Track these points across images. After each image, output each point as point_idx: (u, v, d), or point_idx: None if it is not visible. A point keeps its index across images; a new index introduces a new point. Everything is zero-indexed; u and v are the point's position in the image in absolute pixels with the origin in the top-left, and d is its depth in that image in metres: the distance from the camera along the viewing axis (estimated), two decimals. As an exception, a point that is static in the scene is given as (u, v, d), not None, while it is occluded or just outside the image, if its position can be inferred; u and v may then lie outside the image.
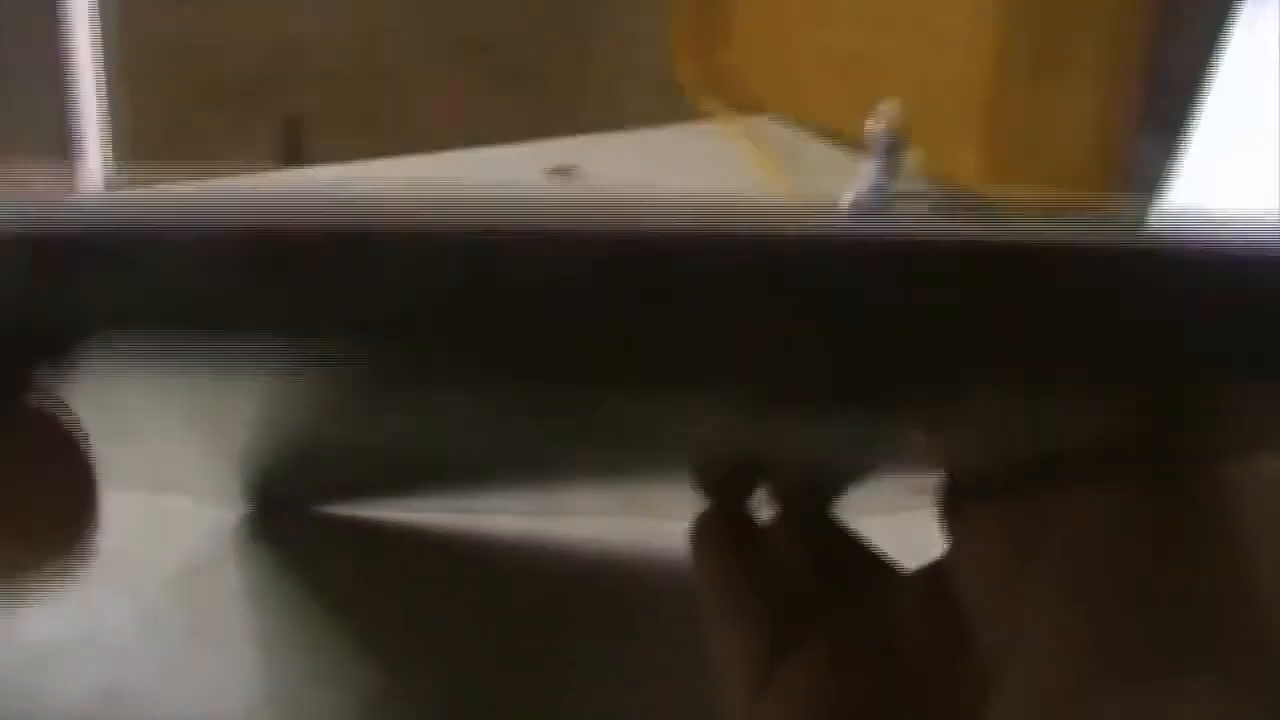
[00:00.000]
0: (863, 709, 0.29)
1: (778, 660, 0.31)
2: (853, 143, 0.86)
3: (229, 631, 0.43)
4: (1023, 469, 0.24)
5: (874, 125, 0.70)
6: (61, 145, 1.68)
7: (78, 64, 1.61)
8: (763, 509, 0.35)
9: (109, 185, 1.53)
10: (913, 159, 0.69)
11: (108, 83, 1.51)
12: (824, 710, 0.29)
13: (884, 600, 0.31)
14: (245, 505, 0.48)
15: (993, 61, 0.79)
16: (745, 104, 0.98)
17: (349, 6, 1.61)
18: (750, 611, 0.33)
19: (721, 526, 0.35)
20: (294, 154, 1.58)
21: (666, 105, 1.01)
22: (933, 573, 0.29)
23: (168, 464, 0.39)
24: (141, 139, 1.53)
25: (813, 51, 0.92)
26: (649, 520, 0.46)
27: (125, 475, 0.45)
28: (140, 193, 0.16)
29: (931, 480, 0.26)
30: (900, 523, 0.34)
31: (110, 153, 1.53)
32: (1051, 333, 0.17)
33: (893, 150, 0.68)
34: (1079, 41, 0.79)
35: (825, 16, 0.90)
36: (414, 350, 0.18)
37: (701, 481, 0.33)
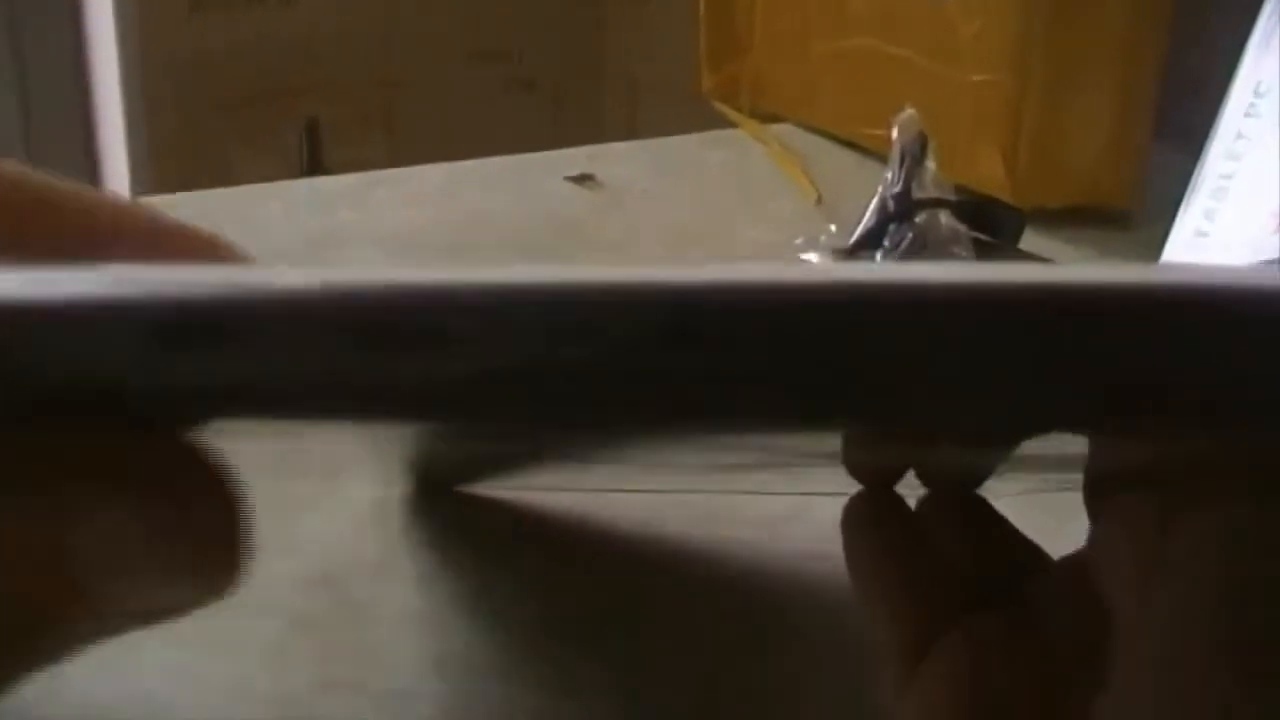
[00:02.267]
0: (1004, 702, 0.29)
1: (925, 648, 0.31)
2: (874, 150, 0.86)
3: (246, 639, 0.43)
4: (1164, 462, 0.24)
5: (895, 132, 0.70)
6: (85, 154, 1.68)
7: (99, 74, 1.61)
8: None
9: (133, 193, 1.54)
10: (934, 166, 0.69)
11: (127, 91, 1.51)
12: (965, 700, 0.29)
13: (1032, 588, 0.30)
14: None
15: (1011, 69, 0.79)
16: (767, 112, 0.98)
17: (367, 13, 1.62)
18: (899, 598, 0.32)
19: (873, 510, 0.35)
20: (314, 161, 1.59)
21: (686, 113, 1.01)
22: (1076, 562, 0.28)
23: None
24: (161, 147, 1.54)
25: (833, 59, 0.92)
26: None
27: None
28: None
29: (1077, 464, 0.26)
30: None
31: (132, 161, 1.53)
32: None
33: (914, 157, 0.68)
34: (1097, 49, 0.79)
35: (845, 25, 0.90)
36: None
37: (852, 464, 0.33)
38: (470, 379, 0.18)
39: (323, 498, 0.49)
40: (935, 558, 0.33)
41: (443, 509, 0.50)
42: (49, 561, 0.20)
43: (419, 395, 0.19)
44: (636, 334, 0.17)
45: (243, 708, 0.40)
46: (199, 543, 0.21)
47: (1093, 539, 0.25)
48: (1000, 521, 0.34)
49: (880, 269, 0.18)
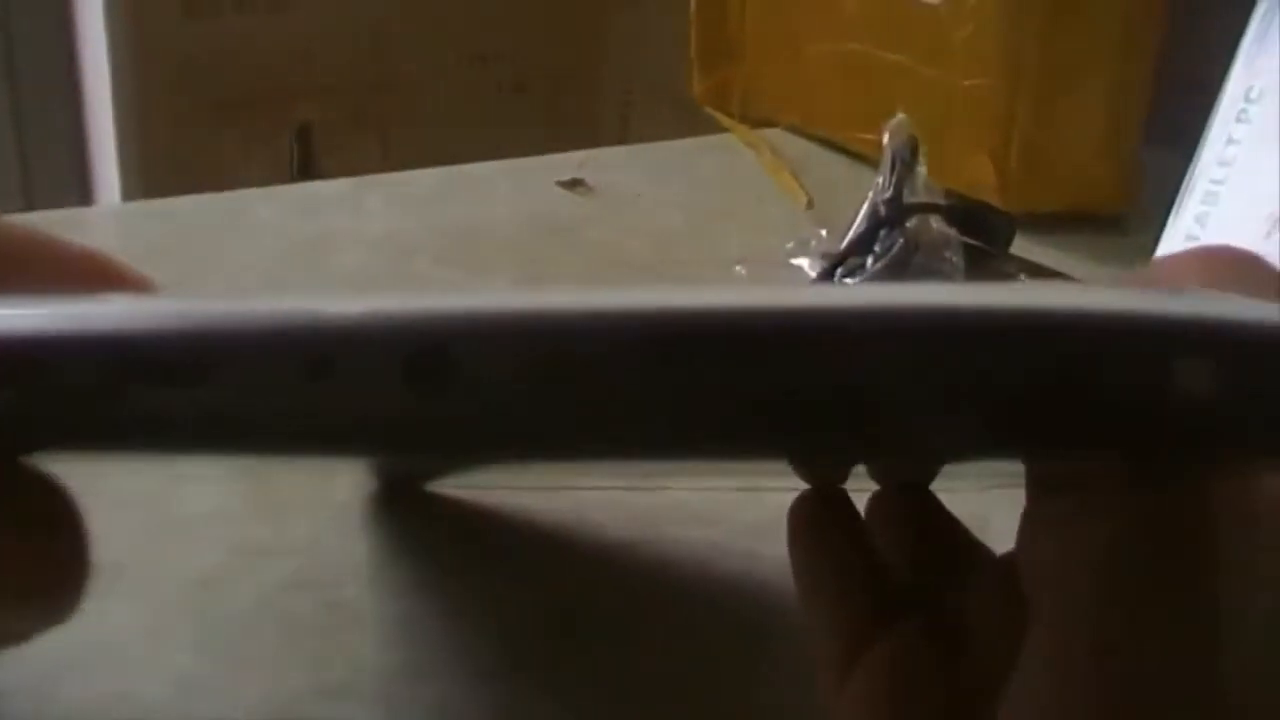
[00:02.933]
0: (935, 703, 0.29)
1: (858, 654, 0.31)
2: (865, 155, 0.86)
3: (238, 643, 0.43)
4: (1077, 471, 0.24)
5: (886, 137, 0.70)
6: (76, 160, 1.68)
7: (90, 78, 1.61)
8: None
9: (124, 199, 1.53)
10: (925, 170, 0.69)
11: (119, 95, 1.51)
12: (897, 701, 0.29)
13: (970, 587, 0.30)
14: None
15: (1002, 73, 0.79)
16: (758, 116, 0.98)
17: (359, 16, 1.61)
18: (837, 599, 0.33)
19: (817, 510, 0.35)
20: (306, 166, 1.58)
21: (679, 118, 1.01)
22: (1007, 563, 0.28)
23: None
24: (153, 152, 1.54)
25: (825, 64, 0.92)
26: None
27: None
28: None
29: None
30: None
31: (123, 166, 1.53)
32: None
33: (905, 162, 0.68)
34: (1091, 53, 0.79)
35: (836, 30, 0.90)
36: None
37: (800, 462, 0.33)
38: (235, 411, 0.19)
39: (310, 500, 0.49)
40: (872, 562, 0.34)
41: (431, 511, 0.50)
42: None
43: (190, 426, 0.19)
44: (379, 369, 0.18)
45: (234, 712, 0.40)
46: (41, 571, 0.21)
47: (1021, 538, 0.25)
48: (947, 520, 0.35)
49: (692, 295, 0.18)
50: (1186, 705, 0.21)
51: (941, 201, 0.69)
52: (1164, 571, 0.22)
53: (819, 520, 0.35)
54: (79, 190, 1.66)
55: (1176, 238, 0.67)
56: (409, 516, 0.49)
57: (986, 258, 0.71)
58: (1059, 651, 0.22)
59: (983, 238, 0.71)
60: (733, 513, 0.49)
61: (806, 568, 0.34)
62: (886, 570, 0.33)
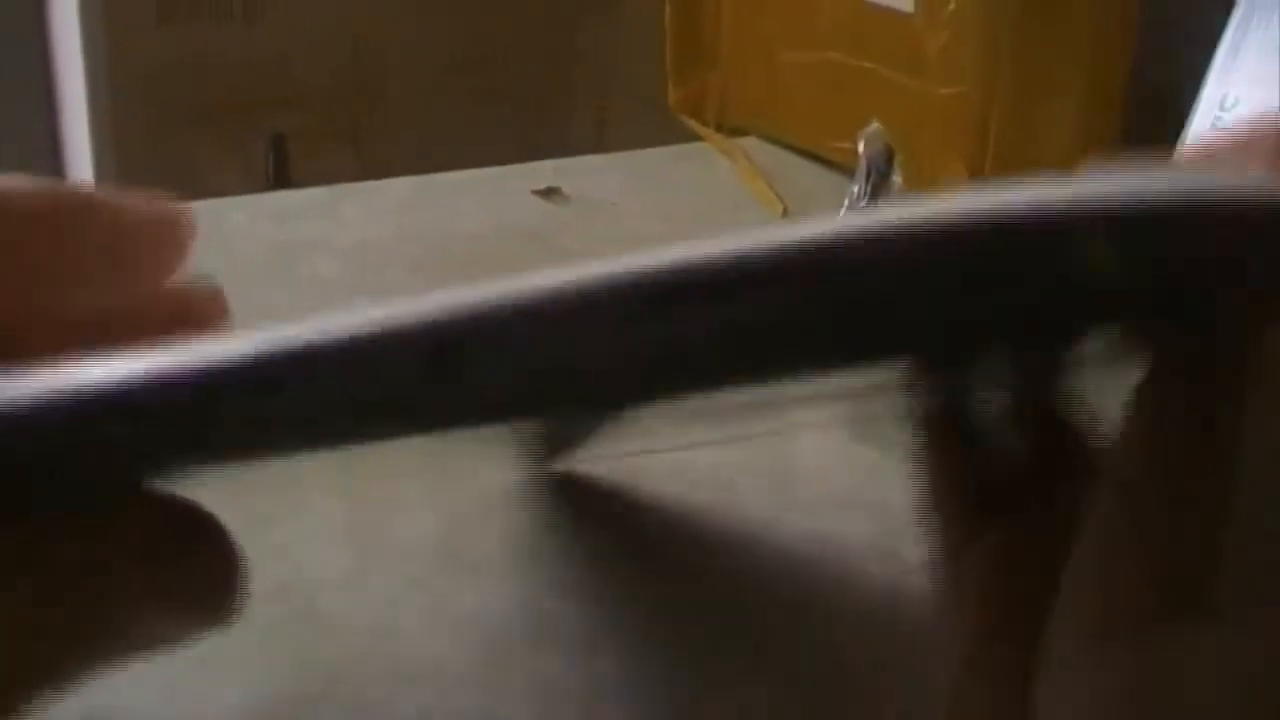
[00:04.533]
0: (1040, 589, 0.29)
1: (962, 550, 0.32)
2: (840, 163, 0.87)
3: (218, 650, 0.43)
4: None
5: (861, 146, 0.70)
6: (51, 168, 1.68)
7: (65, 86, 1.61)
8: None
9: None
10: (900, 179, 0.69)
11: (94, 103, 1.51)
12: (989, 605, 0.30)
13: (1073, 495, 0.31)
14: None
15: (977, 82, 0.80)
16: (734, 125, 0.99)
17: (335, 25, 1.61)
18: (947, 502, 0.33)
19: (947, 412, 0.36)
20: (281, 174, 1.58)
21: (654, 126, 1.01)
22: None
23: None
24: (128, 160, 1.53)
25: (800, 73, 0.92)
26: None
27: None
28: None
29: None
30: None
31: (99, 174, 1.53)
32: None
33: (880, 170, 0.68)
34: (1065, 62, 0.79)
35: (812, 38, 0.90)
36: None
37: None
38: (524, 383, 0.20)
39: (288, 510, 0.49)
40: (989, 460, 0.34)
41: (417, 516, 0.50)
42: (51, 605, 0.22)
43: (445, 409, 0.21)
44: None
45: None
46: (197, 588, 0.23)
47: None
48: (1060, 422, 0.35)
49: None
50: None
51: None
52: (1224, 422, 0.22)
53: (948, 421, 0.35)
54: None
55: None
56: (401, 528, 0.49)
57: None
58: (1120, 506, 0.23)
59: (958, 246, 0.71)
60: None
61: (926, 461, 0.34)
62: (1001, 470, 0.34)
